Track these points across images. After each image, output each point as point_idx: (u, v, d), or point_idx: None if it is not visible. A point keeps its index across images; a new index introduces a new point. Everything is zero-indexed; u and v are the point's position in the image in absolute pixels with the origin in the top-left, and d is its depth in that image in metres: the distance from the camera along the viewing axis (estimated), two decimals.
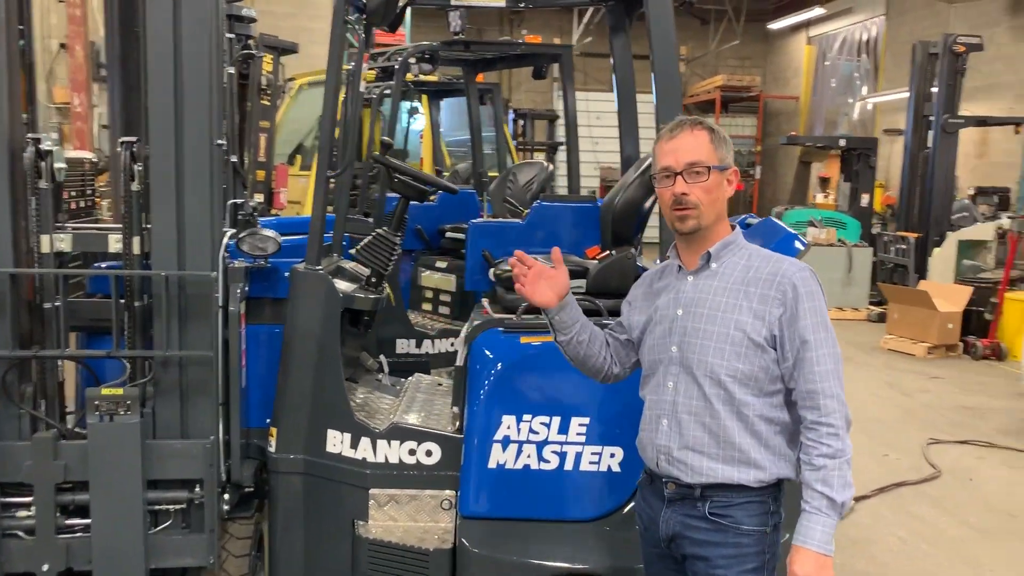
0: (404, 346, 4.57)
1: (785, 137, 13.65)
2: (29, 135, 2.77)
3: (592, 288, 2.93)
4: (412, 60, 5.01)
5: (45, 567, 2.78)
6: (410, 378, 3.56)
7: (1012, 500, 4.80)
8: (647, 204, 2.98)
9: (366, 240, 3.18)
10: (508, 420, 2.68)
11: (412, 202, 3.33)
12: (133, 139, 2.82)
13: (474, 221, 3.44)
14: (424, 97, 7.72)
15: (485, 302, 3.10)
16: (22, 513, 2.79)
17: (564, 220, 3.44)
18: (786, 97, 20.03)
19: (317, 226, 2.98)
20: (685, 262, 2.12)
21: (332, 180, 3.00)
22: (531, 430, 2.68)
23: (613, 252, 2.95)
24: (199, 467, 2.83)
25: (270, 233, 2.99)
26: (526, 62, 5.13)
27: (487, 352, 2.77)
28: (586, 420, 2.68)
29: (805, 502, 1.93)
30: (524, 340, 2.76)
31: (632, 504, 2.69)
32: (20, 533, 2.79)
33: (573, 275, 2.94)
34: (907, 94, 15.66)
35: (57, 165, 2.79)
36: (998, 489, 4.98)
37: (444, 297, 4.90)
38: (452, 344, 4.66)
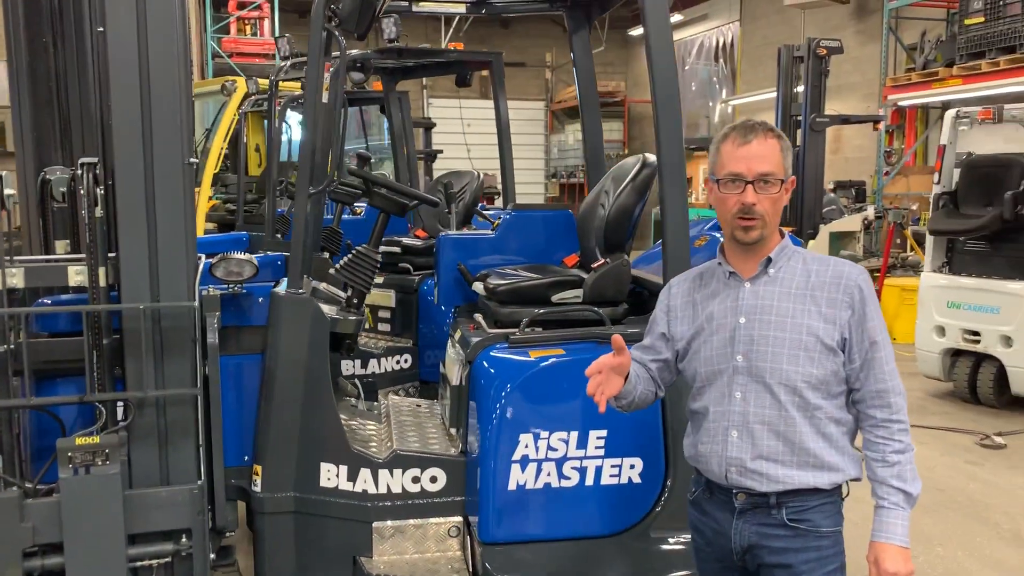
0: (349, 367, 4.38)
1: None
2: None
3: (589, 297, 2.89)
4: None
5: None
6: (385, 402, 3.40)
7: (934, 475, 5.09)
8: (638, 211, 2.96)
9: (346, 259, 3.02)
10: (525, 439, 2.59)
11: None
12: (92, 160, 2.55)
13: (445, 234, 3.33)
14: None
15: (479, 318, 2.98)
16: None
17: (537, 230, 3.38)
18: (649, 102, 20.60)
19: (299, 247, 2.79)
20: (740, 269, 2.07)
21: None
22: (550, 447, 2.60)
23: (608, 260, 2.91)
24: (186, 516, 2.58)
25: (244, 257, 2.78)
26: (452, 69, 5.03)
27: (495, 370, 2.67)
28: (604, 432, 2.63)
29: (881, 499, 1.96)
30: (533, 354, 2.67)
31: (652, 514, 2.66)
32: None
33: (568, 285, 2.91)
34: (764, 96, 16.56)
35: (7, 191, 2.50)
36: (917, 465, 5.27)
37: (383, 313, 4.73)
38: (400, 362, 4.51)
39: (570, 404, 2.62)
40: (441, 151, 12.79)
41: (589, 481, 2.63)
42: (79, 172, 2.53)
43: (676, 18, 18.53)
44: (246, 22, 14.19)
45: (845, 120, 11.76)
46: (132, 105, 2.49)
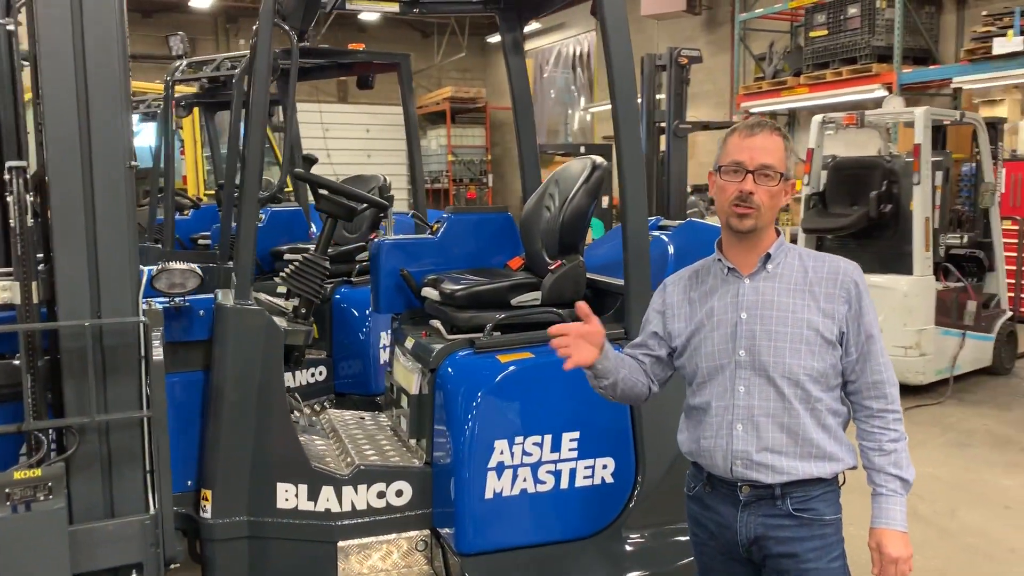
0: None
1: None
2: None
3: (548, 299, 2.87)
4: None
5: None
6: (324, 416, 3.26)
7: None
8: (590, 212, 2.97)
9: (292, 267, 2.87)
10: (500, 445, 2.55)
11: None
12: (21, 164, 2.31)
13: (383, 239, 3.22)
14: (196, 110, 7.09)
15: (437, 324, 2.90)
16: None
17: (478, 233, 3.32)
18: (509, 108, 20.89)
19: (246, 257, 2.63)
20: (739, 264, 2.10)
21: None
22: (524, 452, 2.57)
23: (564, 262, 2.90)
24: (136, 550, 2.38)
25: (186, 266, 2.59)
26: (356, 71, 4.89)
27: (463, 376, 2.61)
28: (576, 434, 2.62)
29: (879, 486, 2.03)
30: (502, 359, 2.63)
31: (625, 512, 2.68)
32: None
33: (526, 287, 2.89)
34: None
35: None
36: None
37: None
38: (314, 375, 4.35)
39: (543, 407, 2.60)
40: (317, 159, 12.46)
41: (564, 484, 2.61)
42: (7, 177, 2.28)
43: (534, 26, 18.87)
44: None
45: (706, 126, 12.30)
46: (68, 103, 2.28)
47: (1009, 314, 7.56)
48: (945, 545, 4.17)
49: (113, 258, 2.35)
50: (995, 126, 7.89)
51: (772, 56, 13.49)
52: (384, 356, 4.51)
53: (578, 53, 18.48)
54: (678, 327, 2.17)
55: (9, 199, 2.29)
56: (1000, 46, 9.37)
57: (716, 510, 2.12)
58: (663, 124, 11.60)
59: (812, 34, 11.82)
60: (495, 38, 20.32)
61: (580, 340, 2.05)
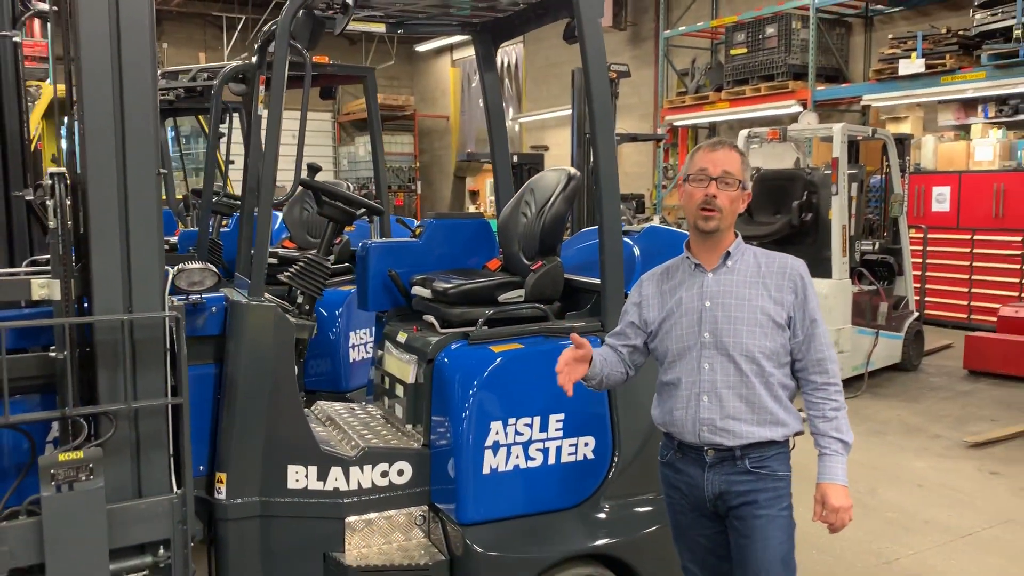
0: None
1: (464, 154, 14.55)
2: None
3: (530, 296, 3.17)
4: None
5: None
6: (316, 407, 3.49)
7: None
8: (567, 217, 3.29)
9: (296, 267, 3.10)
10: (496, 426, 2.83)
11: None
12: (61, 170, 2.49)
13: (372, 242, 3.46)
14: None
15: (431, 319, 3.17)
16: None
17: (458, 237, 3.60)
18: (437, 116, 21.18)
19: (262, 257, 2.86)
20: (704, 261, 2.46)
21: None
22: (517, 432, 2.86)
23: (544, 263, 3.21)
24: (165, 527, 2.58)
25: (203, 266, 2.80)
26: (322, 82, 5.10)
27: (461, 366, 2.89)
28: (562, 416, 2.92)
29: (824, 447, 2.38)
30: (495, 349, 2.92)
31: (604, 484, 2.99)
32: None
33: (511, 286, 3.19)
34: (549, 115, 17.57)
35: None
36: None
37: None
38: None
39: (532, 392, 2.89)
40: (320, 167, 12.49)
41: (552, 460, 2.91)
42: (48, 183, 2.47)
43: (461, 36, 19.16)
44: None
45: (633, 138, 12.83)
46: (106, 115, 2.47)
47: (916, 315, 8.21)
48: (868, 519, 4.63)
49: (144, 258, 2.55)
50: (903, 141, 8.56)
51: (694, 72, 14.14)
52: (354, 355, 4.74)
53: (507, 64, 18.83)
54: (652, 315, 2.52)
55: (49, 203, 2.47)
56: (905, 67, 10.12)
57: (686, 472, 2.47)
58: None
59: (732, 52, 12.48)
60: (424, 46, 20.55)
61: (575, 364, 2.42)
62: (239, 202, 5.67)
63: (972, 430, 6.22)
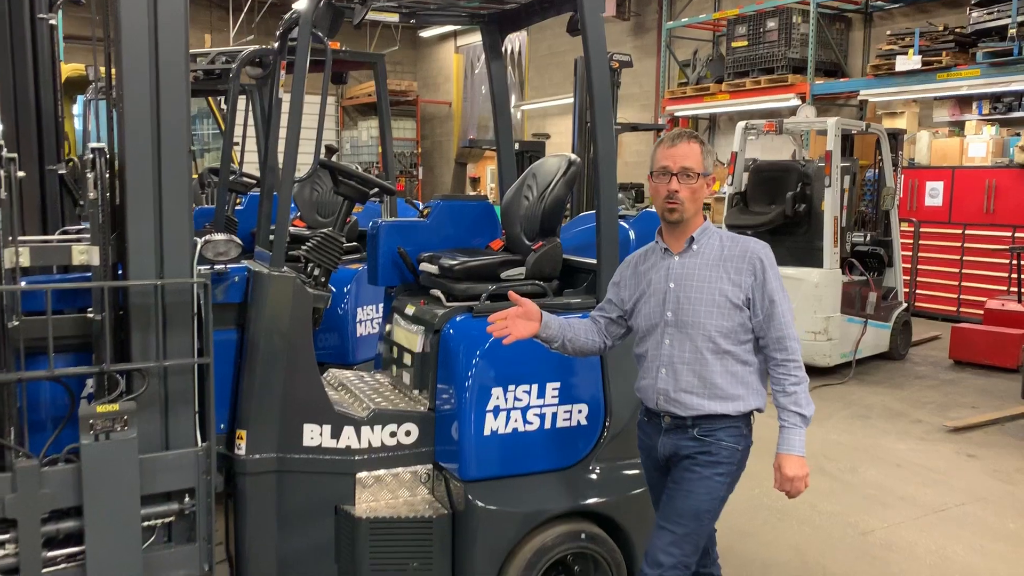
0: None
1: (467, 140, 14.71)
2: None
3: (530, 274, 3.38)
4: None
5: None
6: (327, 374, 3.70)
7: None
8: (567, 200, 3.50)
9: (313, 242, 3.31)
10: (496, 392, 3.05)
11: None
12: (101, 145, 2.71)
13: (382, 221, 3.67)
14: None
15: (438, 293, 3.38)
16: None
17: (463, 218, 3.81)
18: (439, 102, 21.33)
19: (283, 231, 3.07)
20: (672, 246, 2.66)
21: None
22: (516, 398, 3.08)
23: (544, 243, 3.42)
24: (190, 477, 2.80)
25: (228, 237, 3.01)
26: (333, 68, 5.27)
27: (466, 336, 3.10)
28: (558, 384, 3.14)
29: (783, 420, 2.54)
30: None
31: (595, 449, 3.22)
32: None
33: (513, 264, 3.41)
34: (551, 103, 17.73)
35: (20, 173, 2.60)
36: None
37: None
38: None
39: (530, 362, 3.10)
40: (337, 148, 12.73)
41: (548, 425, 3.13)
42: (89, 157, 2.68)
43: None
44: None
45: (634, 128, 13.02)
46: (143, 96, 2.68)
47: (905, 305, 8.44)
48: (847, 495, 4.87)
49: (175, 228, 2.76)
50: (896, 136, 8.76)
51: (696, 63, 14.32)
52: (361, 329, 4.96)
53: (510, 52, 18.97)
54: (626, 295, 2.75)
55: (89, 176, 2.68)
56: (902, 63, 10.31)
57: (650, 435, 2.72)
58: None
59: (734, 44, 12.65)
60: (428, 32, 20.70)
61: (518, 320, 2.66)
62: (253, 181, 5.91)
63: (953, 416, 6.46)
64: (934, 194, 10.36)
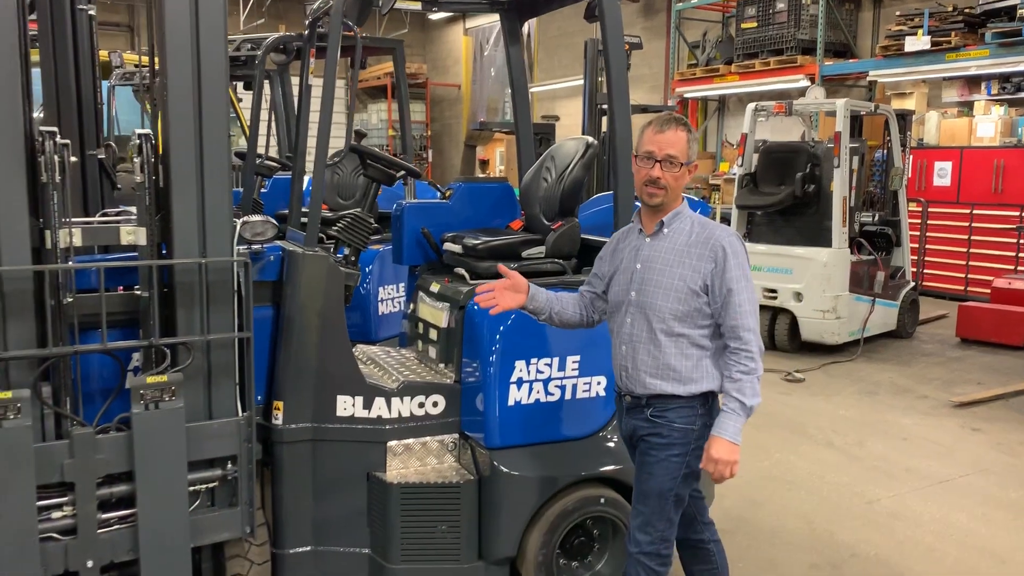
0: None
1: (477, 123, 14.81)
2: (43, 128, 2.70)
3: (550, 252, 3.53)
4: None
5: (90, 564, 2.76)
6: (355, 348, 3.86)
7: None
8: (585, 182, 3.64)
9: (343, 223, 3.46)
10: (520, 364, 3.20)
11: None
12: (147, 131, 2.86)
13: (406, 203, 3.82)
14: None
15: (462, 271, 3.54)
16: (57, 514, 2.73)
17: (483, 199, 3.96)
18: (449, 84, 21.41)
19: (316, 212, 3.22)
20: (646, 227, 2.74)
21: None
22: (538, 370, 3.24)
23: (563, 223, 3.57)
24: (233, 444, 2.97)
25: (264, 218, 3.17)
26: (352, 52, 5.41)
27: (489, 312, 3.25)
28: (577, 357, 3.30)
29: (725, 404, 2.58)
30: None
31: (613, 419, 3.38)
32: (55, 535, 2.73)
33: (533, 243, 3.56)
34: (560, 85, 17.79)
35: (72, 159, 2.75)
36: None
37: None
38: None
39: (551, 336, 3.25)
40: (366, 133, 12.89)
41: (568, 396, 3.29)
42: (136, 143, 2.83)
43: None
44: None
45: (644, 109, 13.09)
46: (186, 85, 2.82)
47: (912, 284, 8.56)
48: (854, 467, 5.03)
49: (216, 209, 2.91)
50: (904, 117, 8.85)
51: (705, 44, 14.35)
52: (383, 308, 5.13)
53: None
54: (604, 270, 2.87)
55: (136, 160, 2.84)
56: (911, 44, 10.37)
57: (619, 411, 2.86)
58: (605, 106, 12.34)
59: (743, 25, 12.70)
60: (437, 15, 20.73)
61: (505, 292, 2.80)
62: (278, 165, 6.06)
63: (958, 392, 6.60)
64: (942, 174, 10.45)
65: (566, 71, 17.43)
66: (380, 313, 5.07)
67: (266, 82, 6.53)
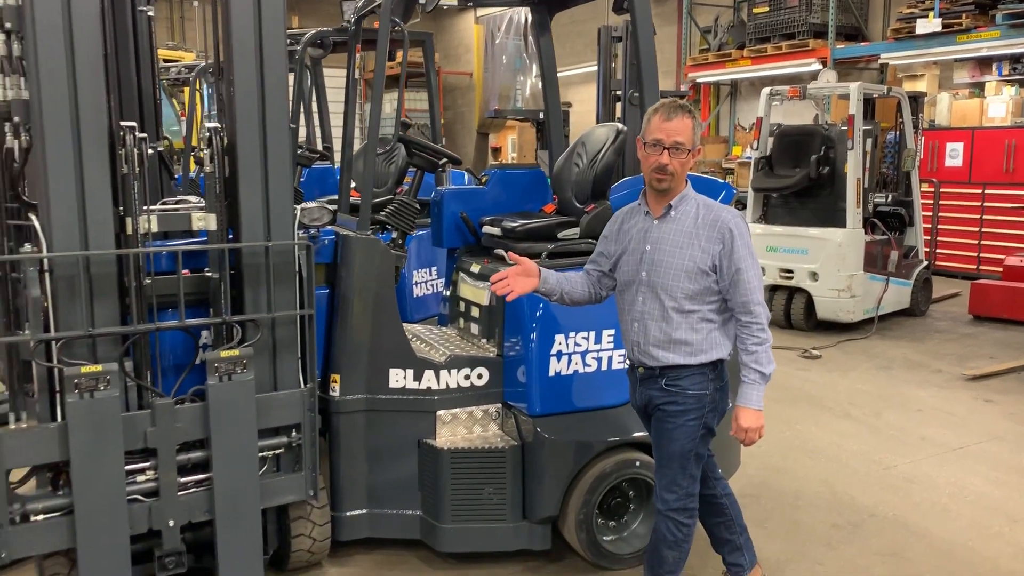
0: None
1: (492, 111, 14.99)
2: (123, 123, 2.93)
3: (585, 233, 3.75)
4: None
5: (171, 523, 3.01)
6: None
7: (777, 378, 6.41)
8: (615, 167, 3.86)
9: (390, 208, 3.69)
10: (559, 338, 3.43)
11: None
12: (217, 125, 3.09)
13: (446, 189, 4.06)
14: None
15: (501, 252, 3.76)
16: (141, 478, 2.98)
17: (517, 185, 4.18)
18: (460, 73, 21.57)
19: (368, 198, 3.46)
20: (653, 209, 2.85)
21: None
22: (576, 343, 3.46)
23: (596, 205, 3.79)
24: (298, 413, 3.22)
25: (320, 205, 3.40)
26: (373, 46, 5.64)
27: None
28: (612, 331, 3.52)
29: (744, 376, 2.76)
30: None
31: None
32: (139, 497, 2.98)
33: (568, 225, 3.78)
34: (571, 72, 17.91)
35: (149, 151, 2.98)
36: None
37: None
38: None
39: (587, 311, 3.45)
40: (412, 123, 13.17)
41: (604, 367, 3.52)
42: (206, 135, 3.06)
43: None
44: None
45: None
46: (251, 80, 3.05)
47: (925, 263, 8.73)
48: (872, 436, 5.25)
49: (279, 196, 3.15)
50: (916, 99, 9.00)
51: (717, 29, 14.48)
52: (417, 291, 5.36)
53: (529, 21, 19.12)
54: (611, 249, 3.02)
55: (204, 153, 3.07)
56: (922, 26, 10.51)
57: (633, 382, 3.03)
58: (619, 92, 12.46)
59: (755, 10, 12.85)
60: (450, 2, 20.87)
61: (518, 277, 2.95)
62: (316, 154, 6.29)
63: (971, 366, 6.80)
64: (954, 155, 10.60)
65: (578, 58, 17.55)
66: (414, 296, 5.30)
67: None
